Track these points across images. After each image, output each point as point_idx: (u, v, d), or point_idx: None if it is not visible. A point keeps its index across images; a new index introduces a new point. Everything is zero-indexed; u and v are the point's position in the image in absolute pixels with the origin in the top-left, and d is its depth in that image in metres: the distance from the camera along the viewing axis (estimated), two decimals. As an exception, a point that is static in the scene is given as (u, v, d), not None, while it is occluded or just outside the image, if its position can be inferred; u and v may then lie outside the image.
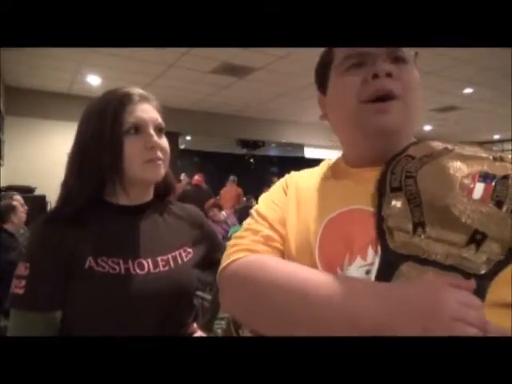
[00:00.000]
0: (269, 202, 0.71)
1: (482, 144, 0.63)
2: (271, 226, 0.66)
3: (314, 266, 0.58)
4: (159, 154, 0.82)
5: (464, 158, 0.55)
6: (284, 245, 0.65)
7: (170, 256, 0.85)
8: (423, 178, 0.54)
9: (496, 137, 9.54)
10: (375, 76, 0.59)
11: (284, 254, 0.64)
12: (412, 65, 0.62)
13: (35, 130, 5.45)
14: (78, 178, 0.81)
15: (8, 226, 2.74)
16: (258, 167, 10.95)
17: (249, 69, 4.72)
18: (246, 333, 0.73)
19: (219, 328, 3.05)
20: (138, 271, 0.79)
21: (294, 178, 0.74)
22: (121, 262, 0.79)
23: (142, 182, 0.84)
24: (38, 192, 4.86)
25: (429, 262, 0.50)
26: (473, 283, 0.46)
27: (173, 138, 6.31)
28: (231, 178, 7.08)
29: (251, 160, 10.88)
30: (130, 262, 0.79)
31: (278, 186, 0.74)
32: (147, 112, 0.83)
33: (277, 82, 5.22)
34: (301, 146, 8.48)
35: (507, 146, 9.15)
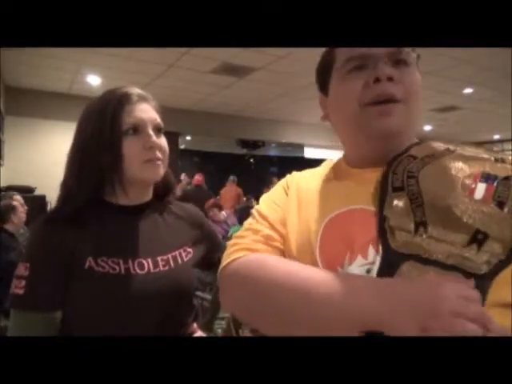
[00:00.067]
0: (270, 202, 0.71)
1: (482, 144, 0.63)
2: (272, 226, 0.66)
3: (314, 265, 0.58)
4: (158, 154, 0.82)
5: (466, 159, 0.55)
6: (285, 244, 0.65)
7: (169, 256, 0.85)
8: (425, 178, 0.54)
9: (496, 137, 9.54)
10: (377, 80, 0.59)
11: (284, 253, 0.64)
12: (414, 67, 0.62)
13: (35, 130, 5.45)
14: (78, 178, 0.81)
15: (8, 226, 2.74)
16: (257, 167, 10.96)
17: (249, 69, 4.72)
18: (245, 332, 0.73)
19: (219, 328, 3.05)
20: (138, 271, 0.79)
21: (295, 178, 0.74)
22: (121, 261, 0.79)
23: (141, 182, 0.84)
24: (38, 192, 4.86)
25: (430, 262, 0.50)
26: (473, 282, 0.46)
27: (173, 138, 6.31)
28: (231, 178, 7.08)
29: (251, 160, 10.89)
30: (130, 262, 0.79)
31: (279, 186, 0.74)
32: (146, 112, 0.83)
33: (277, 81, 5.22)
34: (301, 146, 8.48)
35: (507, 145, 9.15)
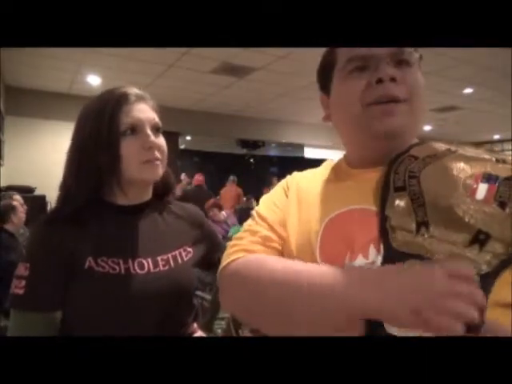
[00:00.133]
0: (269, 203, 0.71)
1: (481, 144, 0.64)
2: (271, 227, 0.66)
3: None
4: (157, 154, 0.82)
5: (467, 159, 0.55)
6: (285, 245, 0.65)
7: (169, 255, 0.85)
8: (426, 178, 0.55)
9: (496, 137, 9.54)
10: (379, 81, 0.59)
11: (283, 254, 0.64)
12: (416, 68, 0.62)
13: (35, 130, 5.45)
14: (77, 178, 0.81)
15: (8, 226, 2.74)
16: (258, 167, 10.95)
17: (249, 69, 4.72)
18: (245, 332, 0.73)
19: (219, 328, 3.05)
20: (138, 271, 0.79)
21: (295, 178, 0.74)
22: (121, 261, 0.79)
23: (140, 183, 0.84)
24: (38, 192, 4.85)
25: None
26: (471, 269, 0.46)
27: (173, 138, 6.31)
28: (231, 177, 7.08)
29: (251, 160, 10.88)
30: (130, 262, 0.79)
31: (279, 187, 0.74)
32: (144, 112, 0.82)
33: (277, 81, 5.22)
34: (301, 146, 8.48)
35: (507, 145, 9.15)
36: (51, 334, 0.75)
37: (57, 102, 5.50)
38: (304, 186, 0.70)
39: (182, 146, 8.33)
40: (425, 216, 0.52)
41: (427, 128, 8.00)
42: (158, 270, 0.82)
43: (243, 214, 5.19)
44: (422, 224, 0.52)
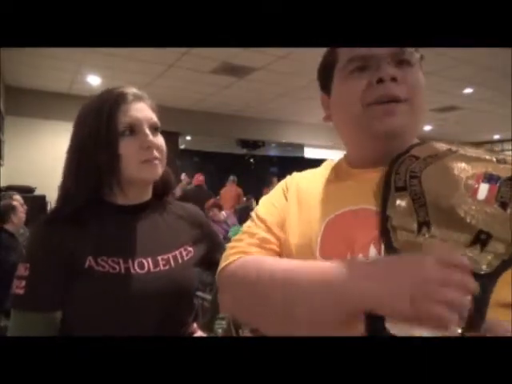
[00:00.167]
0: (269, 205, 0.71)
1: (481, 144, 0.64)
2: (269, 229, 0.66)
3: None
4: (156, 153, 0.82)
5: (468, 160, 0.55)
6: (284, 246, 0.65)
7: (170, 255, 0.85)
8: (428, 178, 0.55)
9: (496, 137, 9.53)
10: (380, 80, 0.59)
11: (281, 255, 0.65)
12: (417, 68, 0.62)
13: (35, 130, 5.44)
14: (76, 178, 0.81)
15: (8, 226, 2.74)
16: (258, 167, 10.94)
17: (249, 69, 4.72)
18: (246, 333, 0.73)
19: (219, 328, 3.05)
20: (138, 270, 0.79)
21: (294, 179, 0.74)
22: (121, 261, 0.79)
23: (139, 182, 0.84)
24: (38, 192, 4.85)
25: None
26: (465, 258, 0.47)
27: (173, 138, 6.31)
28: (231, 177, 7.08)
29: (251, 160, 10.87)
30: (130, 262, 0.79)
31: (279, 188, 0.74)
32: (142, 111, 0.82)
33: (277, 81, 5.22)
34: (301, 146, 8.47)
35: (507, 145, 9.14)
36: (51, 333, 0.75)
37: (57, 102, 5.50)
38: (304, 186, 0.70)
39: (182, 146, 8.33)
40: (426, 216, 0.52)
41: (427, 128, 8.00)
42: (158, 269, 0.82)
43: (243, 214, 5.19)
44: (424, 224, 0.52)
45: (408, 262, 0.48)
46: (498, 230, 0.49)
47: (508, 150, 8.79)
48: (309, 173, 0.75)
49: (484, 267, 0.48)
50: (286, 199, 0.70)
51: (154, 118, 0.85)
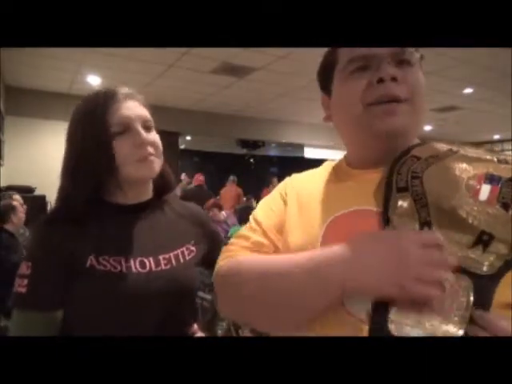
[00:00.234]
0: (266, 208, 0.71)
1: (481, 144, 0.64)
2: (264, 233, 0.67)
3: None
4: (150, 149, 0.81)
5: (469, 160, 0.55)
6: (284, 248, 0.65)
7: (171, 254, 0.85)
8: (429, 178, 0.54)
9: (496, 137, 9.53)
10: (380, 80, 0.59)
11: None
12: (417, 67, 0.62)
13: (35, 130, 5.44)
14: (73, 179, 0.81)
15: (8, 226, 2.74)
16: (257, 167, 10.95)
17: (249, 69, 4.71)
18: (246, 333, 0.73)
19: (220, 329, 3.05)
20: (139, 269, 0.79)
21: (294, 181, 0.74)
22: (122, 260, 0.79)
23: (138, 180, 0.84)
24: (38, 192, 4.85)
25: None
26: (440, 236, 0.49)
27: (173, 138, 6.30)
28: (231, 177, 7.08)
29: (251, 160, 10.88)
30: (132, 261, 0.79)
31: (276, 192, 0.74)
32: (132, 109, 0.82)
33: (277, 81, 5.22)
34: (301, 146, 8.47)
35: (507, 145, 9.14)
36: (52, 333, 0.75)
37: (57, 102, 5.49)
38: (304, 187, 0.70)
39: (182, 146, 8.33)
40: (428, 216, 0.52)
41: (427, 128, 8.00)
42: (159, 268, 0.82)
43: (243, 214, 5.19)
44: (425, 224, 0.52)
45: (389, 245, 0.50)
46: (500, 231, 0.49)
47: (508, 150, 8.79)
48: (308, 174, 0.75)
49: (486, 268, 0.48)
50: (285, 202, 0.70)
51: (147, 114, 0.84)
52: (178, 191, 5.59)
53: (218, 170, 9.16)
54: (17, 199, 2.93)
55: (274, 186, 0.77)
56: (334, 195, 0.65)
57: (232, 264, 0.64)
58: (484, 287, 0.46)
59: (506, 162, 0.54)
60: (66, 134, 0.84)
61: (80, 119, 0.83)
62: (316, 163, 0.77)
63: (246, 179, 8.31)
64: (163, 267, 0.82)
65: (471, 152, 0.57)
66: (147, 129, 0.83)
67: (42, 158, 5.27)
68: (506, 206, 0.50)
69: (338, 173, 0.70)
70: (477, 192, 0.51)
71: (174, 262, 0.84)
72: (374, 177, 0.60)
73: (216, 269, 0.67)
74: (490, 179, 0.52)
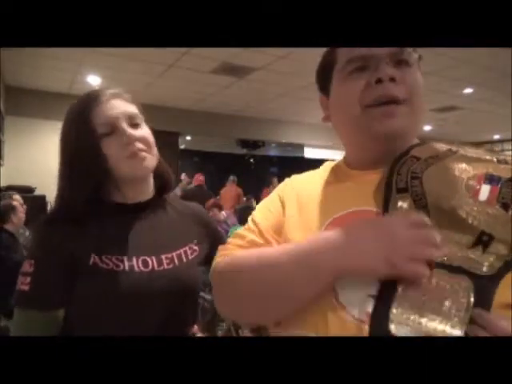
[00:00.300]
0: (264, 210, 0.72)
1: (481, 144, 0.64)
2: (261, 233, 0.67)
3: None
4: (139, 145, 0.81)
5: (469, 160, 0.55)
6: None
7: (174, 254, 0.85)
8: (429, 179, 0.54)
9: (496, 137, 9.53)
10: (379, 81, 0.59)
11: None
12: (416, 68, 0.62)
13: (35, 130, 5.44)
14: (70, 180, 0.82)
15: (8, 226, 2.74)
16: (258, 167, 10.95)
17: (249, 69, 4.71)
18: (246, 333, 0.73)
19: (220, 330, 3.04)
20: (142, 268, 0.79)
21: (293, 182, 0.74)
22: (125, 259, 0.79)
23: (133, 179, 0.84)
24: (38, 192, 4.85)
25: (435, 264, 0.50)
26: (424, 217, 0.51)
27: (173, 138, 6.30)
28: (231, 177, 7.08)
29: (251, 160, 10.87)
30: (134, 260, 0.80)
31: (275, 194, 0.74)
32: (116, 108, 0.81)
33: (277, 81, 5.22)
34: (301, 146, 8.47)
35: (507, 145, 9.14)
36: (53, 332, 0.75)
37: (57, 102, 5.48)
38: (303, 188, 0.70)
39: (182, 146, 8.32)
40: (427, 217, 0.52)
41: (427, 128, 8.00)
42: (162, 268, 0.82)
43: (243, 214, 5.18)
44: None
45: (379, 226, 0.52)
46: (500, 232, 0.49)
47: (508, 150, 8.79)
48: (308, 175, 0.75)
49: (486, 269, 0.48)
50: (283, 204, 0.70)
51: (133, 110, 0.83)
52: (178, 191, 5.59)
53: (217, 170, 9.16)
54: (17, 199, 2.93)
55: (274, 186, 0.77)
56: (332, 196, 0.65)
57: (228, 260, 0.64)
58: (484, 288, 0.46)
59: (506, 162, 0.54)
60: (60, 135, 0.85)
61: (68, 123, 0.83)
62: (316, 163, 0.77)
63: (246, 179, 8.31)
64: (166, 266, 0.82)
65: (471, 152, 0.57)
66: (134, 125, 0.82)
67: (42, 158, 5.27)
68: (505, 207, 0.50)
69: (337, 173, 0.70)
70: (476, 192, 0.51)
71: (176, 261, 0.84)
72: (373, 178, 0.60)
73: (213, 266, 0.67)
74: (490, 179, 0.52)
